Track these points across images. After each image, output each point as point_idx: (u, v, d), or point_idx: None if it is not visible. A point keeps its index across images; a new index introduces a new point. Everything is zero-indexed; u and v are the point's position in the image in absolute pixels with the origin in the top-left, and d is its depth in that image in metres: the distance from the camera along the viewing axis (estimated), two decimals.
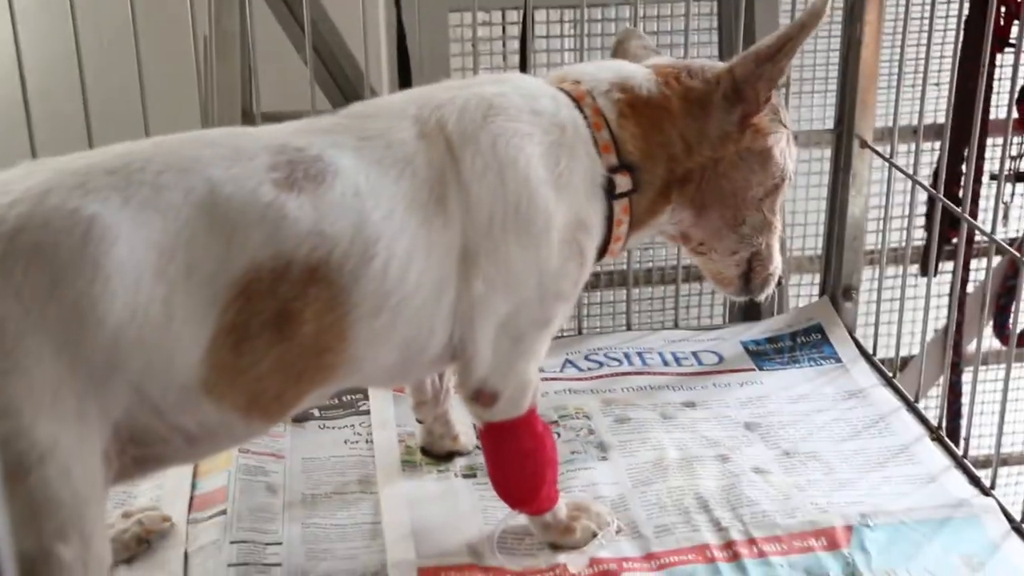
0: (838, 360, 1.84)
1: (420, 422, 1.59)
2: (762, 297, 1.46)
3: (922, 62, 1.79)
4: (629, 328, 1.94)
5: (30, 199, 1.04)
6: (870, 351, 1.88)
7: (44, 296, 1.02)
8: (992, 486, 1.53)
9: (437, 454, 1.59)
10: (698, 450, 1.59)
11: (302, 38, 2.09)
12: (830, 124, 2.00)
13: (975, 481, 1.54)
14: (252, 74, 1.87)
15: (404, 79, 1.91)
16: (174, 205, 1.08)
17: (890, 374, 1.80)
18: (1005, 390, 1.54)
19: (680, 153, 1.32)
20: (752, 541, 1.40)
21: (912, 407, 1.71)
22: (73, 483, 1.03)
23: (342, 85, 2.18)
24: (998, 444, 1.55)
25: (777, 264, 1.43)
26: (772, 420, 1.66)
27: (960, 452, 1.61)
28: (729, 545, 1.40)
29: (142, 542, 1.42)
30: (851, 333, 1.91)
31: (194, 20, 1.73)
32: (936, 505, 1.48)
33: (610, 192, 1.29)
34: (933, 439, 1.64)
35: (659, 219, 1.36)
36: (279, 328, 1.11)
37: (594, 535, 1.40)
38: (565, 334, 1.90)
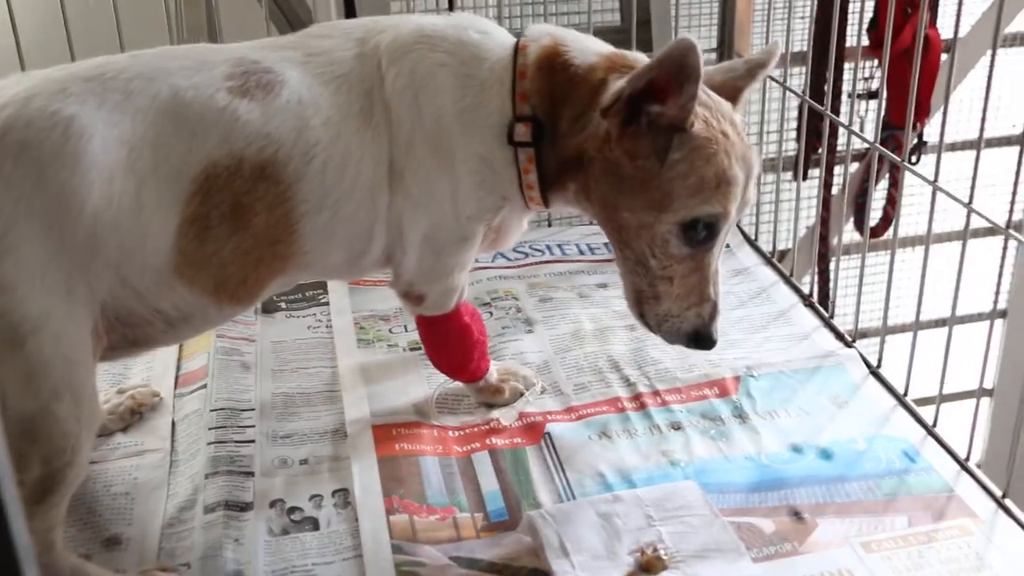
0: (727, 245, 1.79)
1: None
2: (661, 335, 1.16)
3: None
4: (550, 225, 1.88)
5: (16, 103, 1.00)
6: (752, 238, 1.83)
7: (31, 186, 0.97)
8: (854, 340, 1.50)
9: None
10: (610, 321, 1.54)
11: None
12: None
13: (840, 337, 1.51)
14: (216, 16, 1.79)
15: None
16: (142, 108, 1.03)
17: (768, 255, 1.76)
18: (861, 270, 1.50)
19: (564, 132, 1.12)
20: (656, 393, 1.36)
21: (788, 280, 1.67)
22: (64, 350, 0.99)
23: (294, 25, 2.09)
24: (858, 306, 1.51)
25: (672, 312, 1.13)
26: None
27: (827, 314, 1.57)
28: (637, 397, 1.36)
29: (135, 414, 1.37)
30: (737, 225, 1.86)
31: None
32: (808, 357, 1.45)
33: (511, 138, 1.12)
34: (806, 305, 1.60)
35: (567, 190, 1.15)
36: (235, 219, 1.05)
37: (521, 394, 1.36)
38: None
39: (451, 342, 1.30)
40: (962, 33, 2.73)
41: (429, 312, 1.26)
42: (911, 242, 2.89)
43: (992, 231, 1.29)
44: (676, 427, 1.30)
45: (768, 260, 1.74)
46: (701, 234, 1.08)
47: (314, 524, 1.17)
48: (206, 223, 1.04)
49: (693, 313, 1.12)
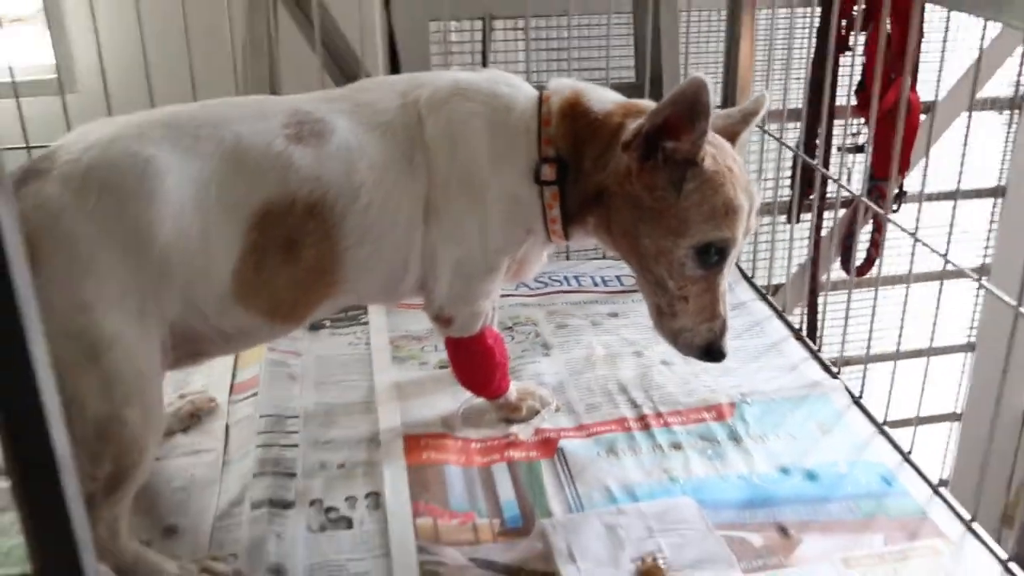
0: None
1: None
2: (677, 347, 1.15)
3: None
4: (568, 258, 1.87)
5: (101, 144, 1.01)
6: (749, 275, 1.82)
7: (112, 219, 0.99)
8: (838, 373, 1.48)
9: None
10: (619, 348, 1.53)
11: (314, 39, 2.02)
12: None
13: (826, 368, 1.50)
14: (276, 68, 1.81)
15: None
16: (209, 152, 1.03)
17: (764, 292, 1.74)
18: (848, 306, 1.49)
19: (588, 168, 1.11)
20: (659, 415, 1.35)
21: (780, 315, 1.66)
22: (135, 364, 1.00)
23: (347, 77, 2.09)
24: (844, 336, 1.49)
25: (686, 327, 1.12)
26: None
27: (815, 347, 1.56)
28: (642, 418, 1.35)
29: (193, 416, 1.37)
30: (736, 264, 1.84)
31: (232, 28, 1.65)
32: (797, 386, 1.43)
33: (537, 177, 1.12)
34: (796, 338, 1.58)
35: (587, 224, 1.15)
36: (288, 252, 1.06)
37: (537, 412, 1.35)
38: None
39: (476, 362, 1.30)
40: (939, 97, 2.72)
41: (457, 334, 1.26)
42: (892, 281, 2.88)
43: (963, 273, 1.28)
44: (676, 447, 1.29)
45: (762, 295, 1.73)
46: (713, 258, 1.08)
47: (348, 523, 1.16)
48: (263, 255, 1.04)
49: (706, 328, 1.12)
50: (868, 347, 1.43)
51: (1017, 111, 2.90)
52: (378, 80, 1.20)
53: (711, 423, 1.34)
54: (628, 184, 1.08)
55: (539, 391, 1.38)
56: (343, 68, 2.13)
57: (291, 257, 1.06)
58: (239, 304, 1.06)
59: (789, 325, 1.62)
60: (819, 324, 2.45)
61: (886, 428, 1.34)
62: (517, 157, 1.14)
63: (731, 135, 1.16)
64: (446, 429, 1.32)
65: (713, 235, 1.07)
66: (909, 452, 1.29)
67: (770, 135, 1.73)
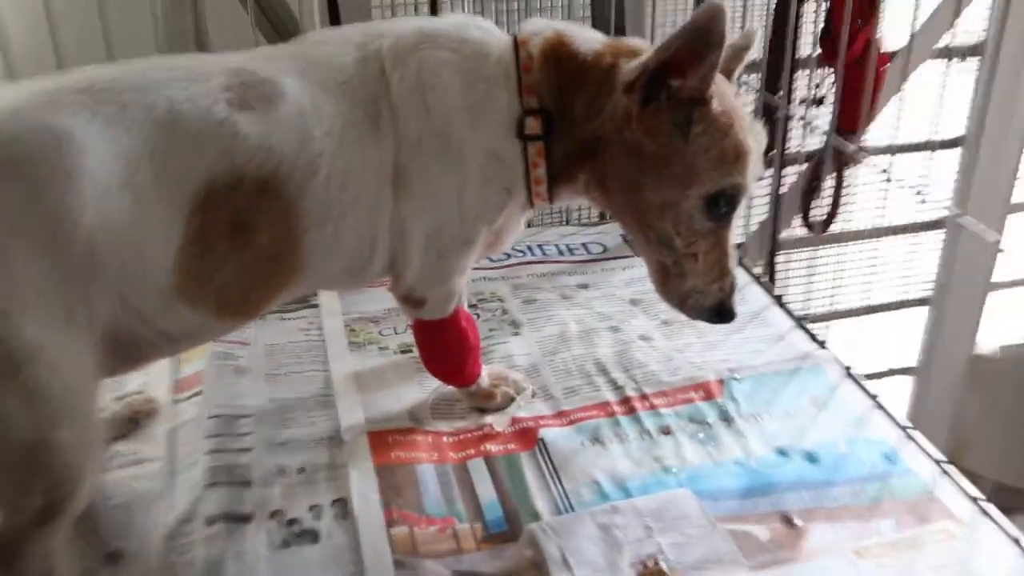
0: None
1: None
2: (684, 311, 1.08)
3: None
4: (529, 225, 1.76)
5: (1, 117, 0.85)
6: None
7: (21, 205, 0.83)
8: (824, 343, 1.40)
9: None
10: (594, 323, 1.43)
11: None
12: None
13: (813, 338, 1.41)
14: (201, 24, 1.66)
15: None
16: (137, 122, 0.89)
17: (741, 256, 1.65)
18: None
19: (580, 118, 1.01)
20: (644, 396, 1.26)
21: (758, 280, 1.57)
22: (63, 377, 0.85)
23: (281, 34, 1.95)
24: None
25: (696, 288, 1.05)
26: (651, 296, 1.48)
27: (798, 315, 1.47)
28: (625, 401, 1.25)
29: (131, 421, 1.24)
30: None
31: None
32: (786, 359, 1.35)
33: (520, 132, 1.02)
34: (778, 306, 1.50)
35: (578, 181, 1.05)
36: (236, 237, 0.93)
37: (512, 399, 1.25)
38: None
39: (448, 347, 1.19)
40: (899, 47, 2.65)
41: (429, 316, 1.15)
42: (855, 236, 2.83)
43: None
44: (666, 431, 1.20)
45: (739, 261, 1.64)
46: (723, 208, 1.01)
47: (314, 536, 1.05)
48: (207, 242, 0.91)
49: (716, 287, 1.05)
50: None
51: (979, 58, 2.85)
52: (330, 32, 1.07)
53: (700, 403, 1.25)
54: (627, 130, 0.98)
55: (512, 375, 1.28)
56: (274, 23, 1.98)
57: (241, 243, 0.93)
58: (182, 300, 0.93)
59: (770, 292, 1.54)
60: (773, 280, 2.39)
61: (881, 401, 1.27)
62: (496, 110, 1.02)
63: (726, 73, 1.06)
64: (414, 423, 1.22)
65: (724, 182, 0.99)
66: (906, 430, 1.22)
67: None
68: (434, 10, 1.69)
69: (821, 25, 2.43)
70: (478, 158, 1.03)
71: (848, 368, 1.33)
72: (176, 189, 0.90)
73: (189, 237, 0.90)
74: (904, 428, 1.21)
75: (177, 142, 0.90)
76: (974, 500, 1.10)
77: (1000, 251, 1.12)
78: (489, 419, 1.22)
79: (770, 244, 2.53)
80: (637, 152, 0.99)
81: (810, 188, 2.65)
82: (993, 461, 2.89)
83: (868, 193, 2.75)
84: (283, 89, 0.95)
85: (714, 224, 1.02)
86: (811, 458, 1.15)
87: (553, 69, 1.02)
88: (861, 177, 2.63)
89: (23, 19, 1.52)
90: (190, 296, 0.93)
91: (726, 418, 1.22)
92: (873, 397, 1.27)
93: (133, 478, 1.15)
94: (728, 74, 1.06)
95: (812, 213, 2.66)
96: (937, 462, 1.16)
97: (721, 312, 1.06)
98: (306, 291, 1.08)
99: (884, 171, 1.26)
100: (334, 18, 1.65)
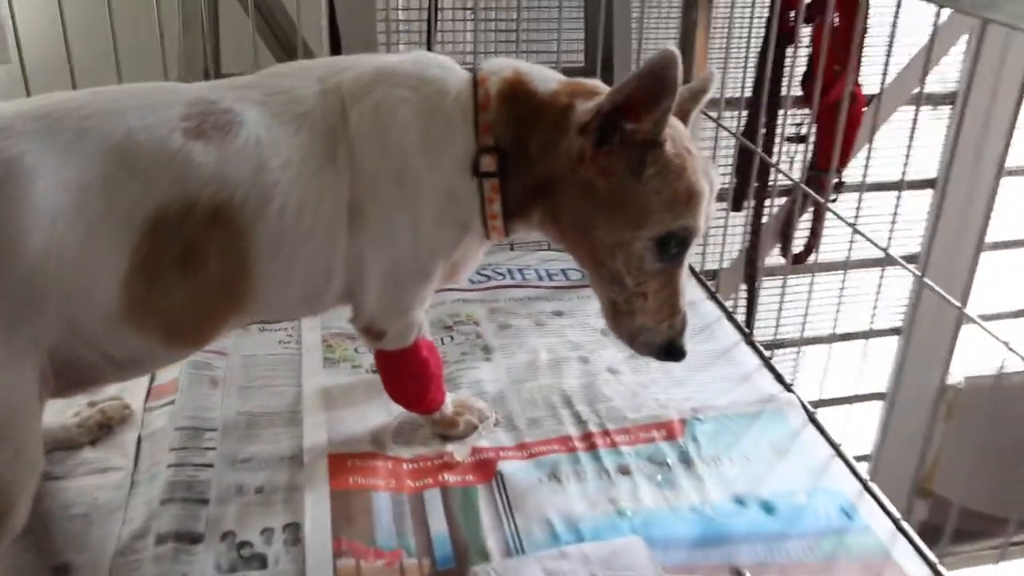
0: None
1: None
2: (634, 348, 0.98)
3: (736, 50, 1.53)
4: (512, 248, 1.66)
5: None
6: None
7: None
8: (791, 385, 1.29)
9: None
10: (564, 352, 1.33)
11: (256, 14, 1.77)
12: None
13: (779, 379, 1.31)
14: (214, 44, 1.56)
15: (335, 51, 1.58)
16: (93, 149, 0.80)
17: (713, 289, 1.55)
18: (783, 291, 1.30)
19: (535, 154, 0.92)
20: (606, 432, 1.15)
21: (731, 317, 1.46)
22: (4, 396, 0.77)
23: (289, 53, 1.84)
24: (798, 358, 1.31)
25: (645, 325, 0.95)
26: None
27: (768, 355, 1.37)
28: (587, 436, 1.15)
29: (103, 427, 1.14)
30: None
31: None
32: (751, 401, 1.24)
33: (476, 170, 0.93)
34: (747, 343, 1.39)
35: (532, 217, 0.96)
36: (186, 266, 0.83)
37: (475, 427, 1.14)
38: None
39: (409, 376, 1.09)
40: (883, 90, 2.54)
41: (389, 347, 1.04)
42: (828, 267, 2.72)
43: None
44: (624, 471, 1.09)
45: (712, 295, 1.53)
46: (673, 249, 0.92)
47: (262, 562, 0.95)
48: (156, 269, 0.81)
49: (666, 326, 0.95)
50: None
51: (951, 106, 2.74)
52: (293, 65, 0.97)
53: (660, 443, 1.14)
54: (581, 170, 0.90)
55: (477, 404, 1.17)
56: (282, 41, 1.88)
57: (191, 271, 0.83)
58: (130, 326, 0.83)
59: (740, 328, 1.43)
60: (754, 312, 2.28)
61: (843, 450, 1.16)
62: (453, 147, 0.93)
63: (682, 115, 0.96)
64: (375, 447, 1.11)
65: (675, 224, 0.91)
66: (865, 483, 1.11)
67: (710, 118, 1.53)
68: (430, 42, 1.58)
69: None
70: (433, 195, 0.93)
71: (811, 414, 1.22)
72: (126, 216, 0.80)
73: (138, 264, 0.81)
74: (863, 481, 1.10)
75: (130, 170, 0.80)
76: (930, 565, 1.00)
77: (961, 311, 1.01)
78: (450, 447, 1.12)
79: (749, 274, 2.43)
80: (590, 191, 0.91)
81: (788, 220, 2.55)
82: (961, 488, 2.80)
83: (842, 228, 2.64)
84: (242, 119, 0.86)
85: (665, 264, 0.93)
86: (768, 508, 1.04)
87: (510, 108, 0.93)
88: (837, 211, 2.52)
89: (38, 38, 1.43)
90: (137, 322, 0.83)
91: (685, 460, 1.11)
92: (835, 446, 1.16)
93: (96, 487, 1.05)
94: (684, 115, 0.97)
95: (790, 244, 2.56)
96: (894, 520, 1.05)
97: (670, 350, 0.97)
98: (259, 319, 0.98)
99: (852, 224, 1.17)
100: (335, 44, 1.54)
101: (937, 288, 1.07)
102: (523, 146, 0.93)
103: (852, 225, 1.23)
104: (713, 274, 2.42)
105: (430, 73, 0.94)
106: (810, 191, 1.34)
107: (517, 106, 0.93)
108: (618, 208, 0.90)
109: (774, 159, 2.39)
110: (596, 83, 0.96)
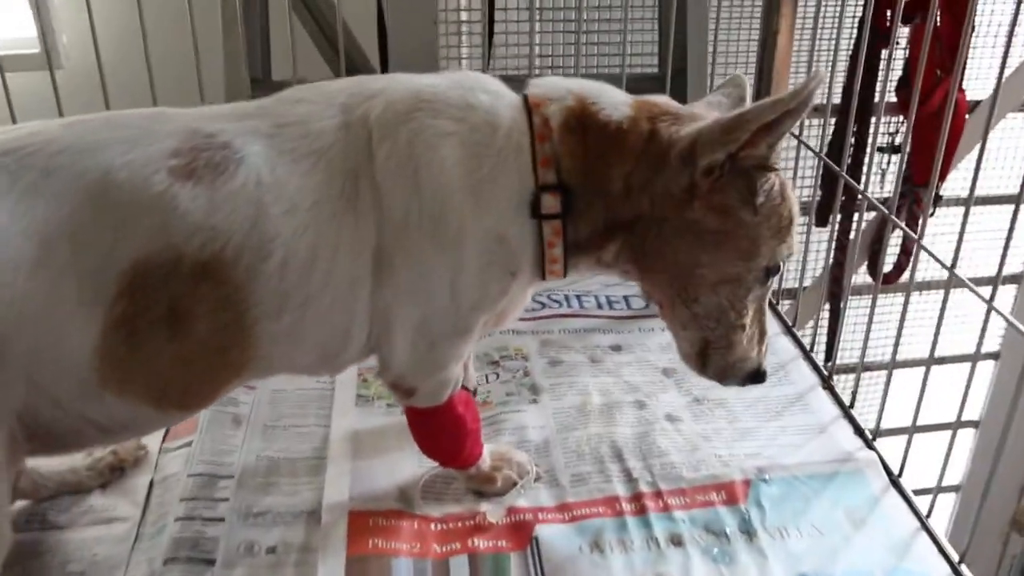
0: None
1: None
2: (725, 383, 0.91)
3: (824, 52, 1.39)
4: None
5: None
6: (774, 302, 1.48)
7: None
8: (874, 438, 1.15)
9: None
10: (619, 395, 1.21)
11: (305, 14, 1.69)
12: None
13: (859, 432, 1.16)
14: (260, 47, 1.49)
15: (383, 58, 1.48)
16: (62, 191, 0.71)
17: (790, 323, 1.41)
18: (869, 324, 1.15)
19: (618, 194, 0.82)
20: (658, 494, 1.03)
21: (808, 356, 1.32)
22: None
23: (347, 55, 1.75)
24: (883, 401, 1.17)
25: (741, 357, 0.89)
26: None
27: (847, 403, 1.22)
28: (637, 497, 1.03)
29: (115, 470, 1.07)
30: None
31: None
32: (825, 460, 1.10)
33: (536, 211, 0.82)
34: (824, 388, 1.25)
35: (603, 256, 0.86)
36: (172, 325, 0.73)
37: (515, 483, 1.04)
38: None
39: (443, 434, 0.98)
40: (981, 96, 2.34)
41: (420, 404, 0.94)
42: (923, 286, 2.53)
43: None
44: (676, 541, 0.97)
45: (788, 329, 1.39)
46: (773, 275, 0.87)
47: None
48: (135, 329, 0.72)
49: (756, 352, 0.90)
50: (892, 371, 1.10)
51: None
52: (310, 88, 0.85)
53: (720, 508, 1.02)
54: (688, 209, 0.81)
55: (517, 457, 1.06)
56: (335, 44, 1.80)
57: (178, 331, 0.74)
58: (108, 390, 0.75)
59: (818, 370, 1.29)
60: (837, 337, 2.12)
61: (930, 523, 1.02)
62: (506, 187, 0.82)
63: None
64: (402, 503, 1.01)
65: (782, 251, 0.85)
66: (960, 561, 0.97)
67: (807, 147, 1.38)
68: (488, 55, 1.47)
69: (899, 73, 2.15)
70: (479, 242, 0.82)
71: (896, 477, 1.08)
72: (98, 268, 0.71)
73: (114, 323, 0.72)
74: (953, 564, 0.96)
75: (105, 215, 0.71)
76: None
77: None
78: (484, 506, 1.01)
79: (833, 292, 2.27)
80: (694, 228, 0.82)
81: (878, 237, 2.37)
82: None
83: (942, 244, 2.46)
84: (242, 156, 0.75)
85: (763, 291, 0.88)
86: None
87: (578, 140, 0.82)
88: (934, 229, 2.33)
89: (113, 40, 1.39)
90: (116, 386, 0.74)
91: (747, 530, 0.99)
92: (921, 518, 1.02)
93: (97, 540, 0.98)
94: None
95: (881, 263, 2.39)
96: None
97: (757, 376, 0.91)
98: (268, 377, 0.88)
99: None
100: (383, 52, 1.44)
101: (1008, 317, 0.94)
102: (597, 182, 0.82)
103: (917, 240, 1.10)
104: (791, 293, 2.25)
105: (478, 100, 0.83)
106: (896, 221, 1.19)
107: (588, 137, 0.82)
108: (728, 242, 0.82)
109: (864, 170, 2.23)
110: (667, 100, 0.87)
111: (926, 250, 1.07)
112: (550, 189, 0.82)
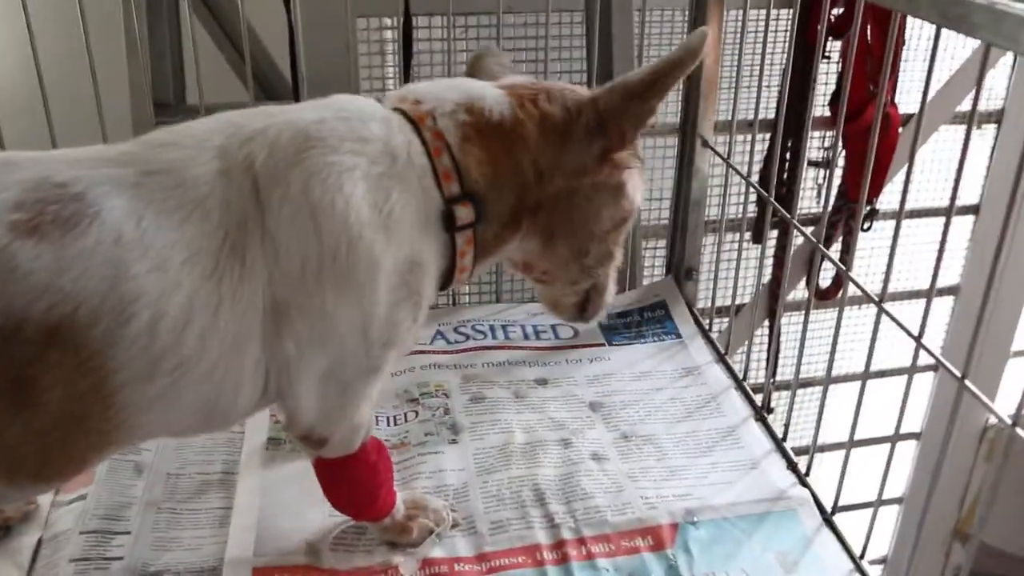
0: (678, 336, 1.40)
1: None
2: (593, 323, 1.01)
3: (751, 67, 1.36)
4: (498, 300, 1.49)
5: None
6: (706, 324, 1.44)
7: None
8: (807, 473, 1.12)
9: None
10: (544, 433, 1.16)
11: (223, 37, 1.62)
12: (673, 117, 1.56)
13: (792, 467, 1.13)
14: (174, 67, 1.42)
15: (295, 85, 1.41)
16: None
17: (723, 350, 1.37)
18: (803, 337, 1.11)
19: (532, 182, 0.84)
20: (581, 541, 0.99)
21: (740, 386, 1.29)
22: None
23: (259, 81, 1.68)
24: (819, 419, 1.13)
25: (612, 292, 0.97)
26: (615, 400, 1.24)
27: (780, 436, 1.19)
28: (559, 545, 0.98)
29: (1, 528, 0.99)
30: (691, 309, 1.47)
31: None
32: (757, 499, 1.06)
33: (449, 224, 0.82)
34: (757, 420, 1.22)
35: (507, 247, 0.88)
36: (17, 396, 0.66)
37: (431, 532, 0.98)
38: (440, 305, 1.46)
39: (355, 485, 0.93)
40: (914, 109, 2.35)
41: (332, 454, 0.89)
42: (858, 300, 2.53)
43: None
44: None
45: (721, 357, 1.35)
46: None
47: None
48: None
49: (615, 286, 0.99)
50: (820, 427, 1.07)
51: (996, 124, 2.54)
52: (181, 131, 0.78)
53: (646, 554, 0.97)
54: (598, 173, 0.86)
55: (433, 504, 1.01)
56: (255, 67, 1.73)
57: (24, 402, 0.66)
58: None
59: (750, 400, 1.25)
60: (774, 355, 2.09)
61: (864, 564, 0.99)
62: (414, 212, 0.79)
63: None
64: (309, 557, 0.95)
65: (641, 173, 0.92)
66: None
67: (735, 169, 1.34)
68: (406, 73, 1.41)
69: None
70: (390, 276, 0.78)
71: (829, 516, 1.04)
72: None
73: None
74: None
75: None
76: None
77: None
78: (398, 558, 0.96)
79: (771, 308, 2.25)
80: (600, 188, 0.88)
81: (813, 252, 2.36)
82: (1005, 532, 2.60)
83: (876, 258, 2.46)
84: (98, 209, 0.68)
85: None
86: None
87: (481, 146, 0.82)
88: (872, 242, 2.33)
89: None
90: None
91: None
92: (855, 559, 0.99)
93: None
94: None
95: (815, 277, 2.37)
96: None
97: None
98: (137, 444, 0.81)
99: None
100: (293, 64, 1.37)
101: (937, 356, 0.91)
102: (509, 178, 0.84)
103: (841, 268, 1.08)
104: (722, 312, 2.23)
105: (369, 131, 0.79)
106: (825, 251, 1.16)
107: (487, 139, 0.83)
108: (623, 193, 0.89)
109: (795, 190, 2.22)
110: (524, 78, 0.90)
111: (854, 282, 1.04)
112: (458, 200, 0.81)
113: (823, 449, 1.13)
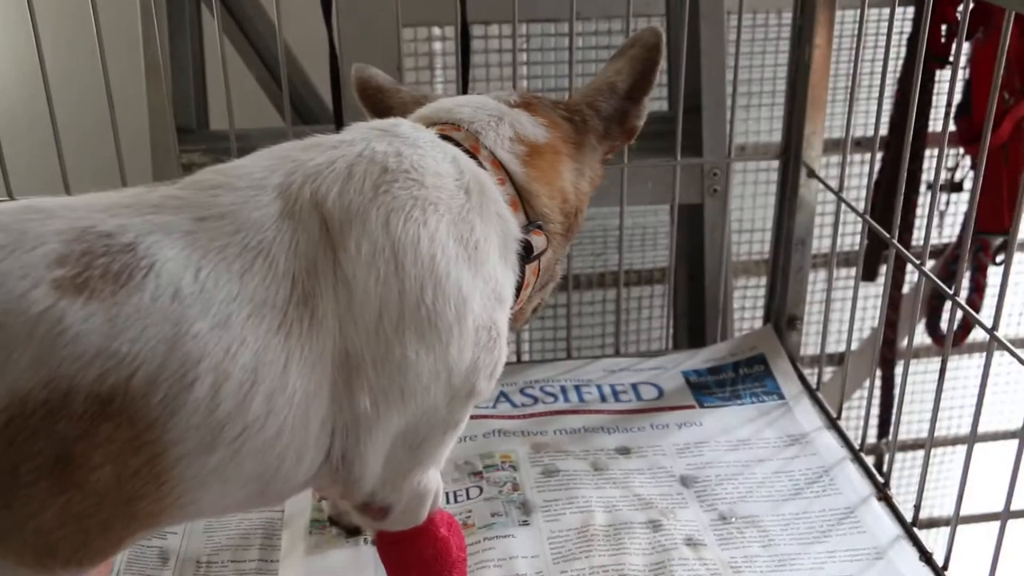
0: (780, 396, 1.39)
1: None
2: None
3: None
4: (569, 356, 1.50)
5: None
6: (812, 381, 1.43)
7: None
8: (945, 566, 1.10)
9: (346, 527, 1.14)
10: (629, 513, 1.16)
11: (252, 56, 1.66)
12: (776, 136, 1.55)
13: (927, 558, 1.11)
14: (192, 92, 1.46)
15: (337, 111, 1.43)
16: None
17: (834, 414, 1.36)
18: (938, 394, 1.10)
19: (571, 196, 0.96)
20: None
21: (857, 456, 1.27)
22: None
23: (298, 103, 1.72)
24: (957, 511, 1.11)
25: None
26: (710, 473, 1.23)
27: (909, 519, 1.17)
28: None
29: None
30: (795, 365, 1.46)
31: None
32: None
33: (528, 254, 0.89)
34: (880, 499, 1.20)
35: (555, 269, 1.02)
36: (60, 475, 0.67)
37: None
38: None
39: (424, 562, 0.93)
40: None
41: (397, 526, 0.90)
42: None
43: None
44: None
45: (833, 423, 1.34)
46: None
47: None
48: (12, 481, 0.66)
49: None
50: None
51: None
52: (229, 170, 0.80)
53: None
54: (596, 181, 1.02)
55: None
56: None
57: (68, 483, 0.67)
58: None
59: (871, 477, 1.24)
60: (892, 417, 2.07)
61: None
62: (495, 245, 0.86)
63: None
64: None
65: None
66: None
67: (847, 205, 1.34)
68: (465, 84, 1.43)
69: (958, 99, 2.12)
70: (478, 316, 0.81)
71: None
72: None
73: None
74: None
75: None
76: None
77: None
78: None
79: (884, 357, 2.22)
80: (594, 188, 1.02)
81: (935, 292, 2.33)
82: None
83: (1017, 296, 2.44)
84: (152, 261, 0.70)
85: None
86: None
87: (536, 169, 0.92)
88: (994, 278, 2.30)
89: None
90: None
91: None
92: None
93: None
94: None
95: (938, 320, 2.34)
96: None
97: None
98: (181, 523, 0.82)
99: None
100: (336, 87, 1.40)
101: None
102: (559, 201, 0.94)
103: (952, 297, 1.11)
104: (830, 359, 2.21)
105: (439, 162, 0.84)
106: (940, 283, 1.15)
107: (540, 163, 0.93)
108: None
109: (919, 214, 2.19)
110: (526, 91, 1.00)
111: (999, 340, 1.02)
112: (534, 228, 0.90)
113: (966, 520, 1.11)
